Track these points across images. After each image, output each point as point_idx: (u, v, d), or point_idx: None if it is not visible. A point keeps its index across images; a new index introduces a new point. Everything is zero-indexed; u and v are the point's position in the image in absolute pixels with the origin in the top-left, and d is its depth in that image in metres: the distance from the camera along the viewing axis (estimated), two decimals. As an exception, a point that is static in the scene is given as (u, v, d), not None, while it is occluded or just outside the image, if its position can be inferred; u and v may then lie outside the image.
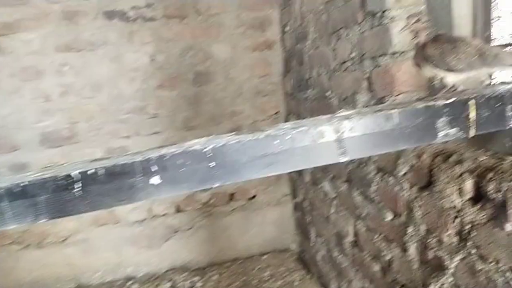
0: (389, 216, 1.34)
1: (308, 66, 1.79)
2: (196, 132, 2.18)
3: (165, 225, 2.25)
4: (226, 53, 2.13)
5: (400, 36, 1.05)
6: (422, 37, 0.83)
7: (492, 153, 0.96)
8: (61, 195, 0.63)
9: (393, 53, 1.09)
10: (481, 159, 0.96)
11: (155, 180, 0.64)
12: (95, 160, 0.73)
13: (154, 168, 0.64)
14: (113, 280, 2.21)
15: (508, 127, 0.68)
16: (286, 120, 2.24)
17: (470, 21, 0.95)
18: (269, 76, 2.20)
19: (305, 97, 1.91)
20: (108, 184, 0.64)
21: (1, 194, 0.58)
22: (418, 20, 0.84)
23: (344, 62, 1.39)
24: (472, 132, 0.65)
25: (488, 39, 0.95)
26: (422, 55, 0.82)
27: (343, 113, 0.71)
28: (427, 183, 1.11)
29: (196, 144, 0.65)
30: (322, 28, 1.53)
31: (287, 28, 2.02)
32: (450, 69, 0.77)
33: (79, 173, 0.63)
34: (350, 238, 1.64)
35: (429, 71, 0.82)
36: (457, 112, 0.64)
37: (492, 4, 0.93)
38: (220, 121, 2.20)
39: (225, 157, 0.65)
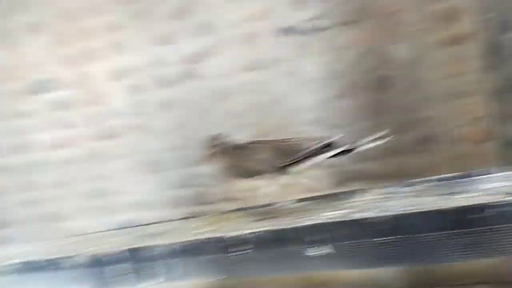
0: None
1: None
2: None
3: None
4: (409, 54, 1.89)
5: None
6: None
7: None
8: (228, 257, 0.64)
9: None
10: None
11: (323, 250, 0.58)
12: (264, 218, 0.71)
13: (323, 236, 0.58)
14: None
15: None
16: (494, 127, 1.84)
17: None
18: (464, 75, 1.86)
19: (516, 99, 1.52)
20: (274, 250, 0.61)
21: (175, 250, 0.63)
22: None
23: None
24: None
25: None
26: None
27: None
28: None
29: (367, 213, 0.55)
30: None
31: (484, 18, 1.65)
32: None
33: (248, 234, 0.61)
34: None
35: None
36: None
37: None
38: (407, 129, 1.98)
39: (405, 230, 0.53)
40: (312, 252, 0.56)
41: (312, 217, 0.61)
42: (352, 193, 0.63)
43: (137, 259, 0.65)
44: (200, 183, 2.38)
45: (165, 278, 0.66)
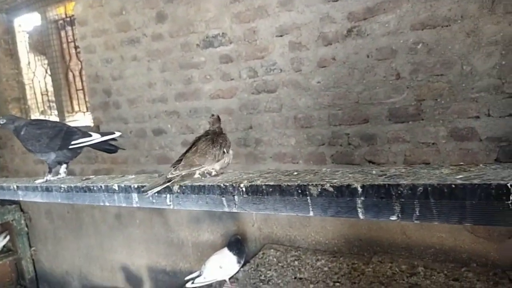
0: None
1: None
2: None
3: None
4: None
5: None
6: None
7: None
8: (490, 204, 0.63)
9: None
10: None
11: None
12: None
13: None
14: None
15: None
16: None
17: None
18: None
19: None
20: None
21: (429, 191, 0.64)
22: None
23: None
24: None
25: None
26: None
27: None
28: None
29: None
30: None
31: None
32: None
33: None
34: None
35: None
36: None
37: None
38: None
39: None
40: None
41: None
42: None
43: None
44: (343, 142, 2.41)
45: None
